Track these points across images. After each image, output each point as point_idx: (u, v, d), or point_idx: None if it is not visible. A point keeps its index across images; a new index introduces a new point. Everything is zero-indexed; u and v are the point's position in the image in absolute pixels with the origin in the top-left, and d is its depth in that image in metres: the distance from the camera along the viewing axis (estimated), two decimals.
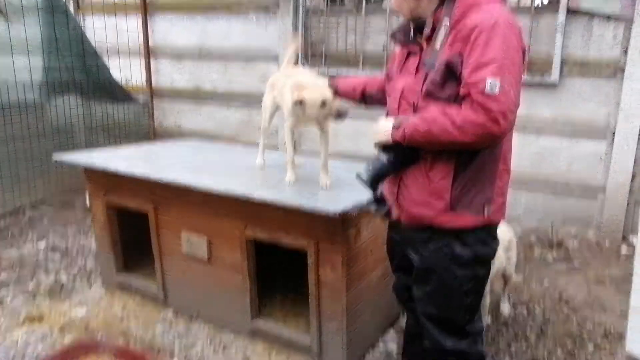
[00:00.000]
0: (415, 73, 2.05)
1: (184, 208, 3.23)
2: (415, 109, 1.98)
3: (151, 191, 3.36)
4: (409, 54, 2.14)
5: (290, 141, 3.00)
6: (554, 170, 4.92)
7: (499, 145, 1.95)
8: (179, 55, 6.70)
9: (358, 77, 2.71)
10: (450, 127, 1.82)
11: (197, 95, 6.69)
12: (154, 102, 6.91)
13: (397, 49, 2.28)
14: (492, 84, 1.75)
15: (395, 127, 1.98)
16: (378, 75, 2.63)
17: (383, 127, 2.05)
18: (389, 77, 2.26)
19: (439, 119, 1.84)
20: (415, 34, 2.08)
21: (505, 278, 3.46)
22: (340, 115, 2.59)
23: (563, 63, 4.71)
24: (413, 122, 1.92)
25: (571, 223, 4.91)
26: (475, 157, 1.94)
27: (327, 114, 2.59)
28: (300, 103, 2.64)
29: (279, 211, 2.77)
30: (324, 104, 2.60)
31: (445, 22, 1.92)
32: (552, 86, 4.78)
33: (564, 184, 4.89)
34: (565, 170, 4.88)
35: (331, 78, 2.72)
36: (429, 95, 1.93)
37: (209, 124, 6.70)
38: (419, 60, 2.05)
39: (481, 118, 1.76)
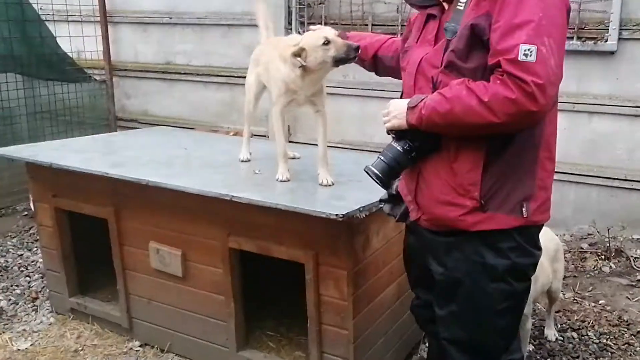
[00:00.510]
0: (435, 41, 2.07)
1: (153, 213, 3.27)
2: (435, 85, 2.00)
3: (112, 192, 3.38)
4: (427, 19, 2.16)
5: (281, 129, 3.02)
6: (611, 159, 4.93)
7: (539, 127, 1.97)
8: (144, 21, 6.71)
9: (374, 35, 2.73)
10: (476, 106, 1.83)
11: (167, 72, 6.71)
12: (113, 80, 6.94)
13: (414, 13, 2.31)
14: (527, 50, 1.76)
15: (411, 108, 2.00)
16: (397, 38, 2.66)
17: (396, 108, 2.07)
18: (404, 50, 2.28)
19: (463, 96, 1.86)
20: None
21: (550, 295, 3.48)
22: (349, 52, 2.64)
23: (622, 25, 4.71)
24: (431, 101, 1.93)
25: (633, 226, 4.93)
26: (510, 143, 1.95)
27: (335, 56, 2.68)
28: (300, 53, 2.71)
29: (270, 215, 2.79)
30: (326, 42, 2.68)
31: None
32: (608, 54, 4.79)
33: (624, 177, 4.90)
34: (625, 160, 4.89)
35: (341, 32, 2.77)
36: (451, 68, 1.95)
37: (182, 107, 6.73)
38: (439, 25, 2.07)
39: (514, 93, 1.78)
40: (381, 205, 2.41)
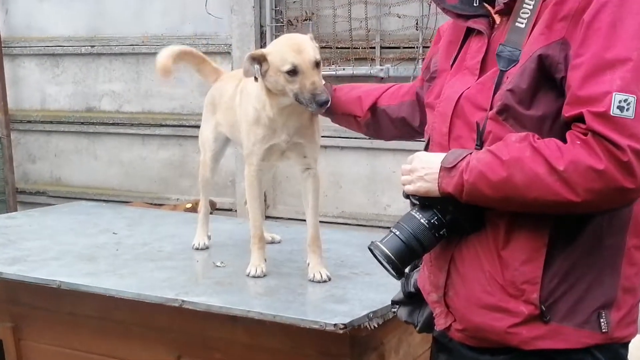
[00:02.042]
0: (480, 70, 2.10)
1: (69, 329, 3.24)
2: (482, 135, 1.99)
3: (9, 300, 3.37)
4: (468, 35, 2.19)
5: (257, 199, 3.05)
6: None
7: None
8: (55, 52, 6.82)
9: (369, 85, 2.79)
10: (546, 176, 1.82)
11: (89, 122, 6.77)
12: (11, 137, 6.96)
13: (445, 27, 2.35)
14: (622, 102, 1.76)
15: (447, 169, 1.99)
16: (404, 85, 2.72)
17: (423, 165, 2.05)
18: (430, 77, 2.30)
19: (526, 159, 1.85)
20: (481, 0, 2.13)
21: None
22: (310, 101, 2.68)
23: None
24: (478, 162, 1.92)
25: None
26: (585, 226, 1.94)
27: (297, 94, 2.71)
28: (261, 59, 2.75)
29: (238, 328, 2.79)
30: (292, 71, 2.70)
31: None
32: None
33: None
34: None
35: (326, 84, 2.81)
36: (507, 115, 1.94)
37: (111, 172, 6.75)
38: (487, 46, 2.09)
39: (602, 162, 1.76)
40: (394, 310, 2.40)
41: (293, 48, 2.76)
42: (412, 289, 2.31)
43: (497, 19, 2.08)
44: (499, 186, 1.88)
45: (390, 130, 2.71)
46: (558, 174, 1.80)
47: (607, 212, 1.91)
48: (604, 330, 1.97)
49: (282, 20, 5.87)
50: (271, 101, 2.85)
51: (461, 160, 1.95)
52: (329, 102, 2.69)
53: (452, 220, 2.04)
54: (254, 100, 2.92)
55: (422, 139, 2.46)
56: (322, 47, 5.63)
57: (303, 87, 2.69)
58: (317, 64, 2.75)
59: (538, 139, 1.86)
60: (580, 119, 1.80)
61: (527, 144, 1.85)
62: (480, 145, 1.98)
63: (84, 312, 3.17)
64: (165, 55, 3.30)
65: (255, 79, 2.79)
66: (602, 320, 1.97)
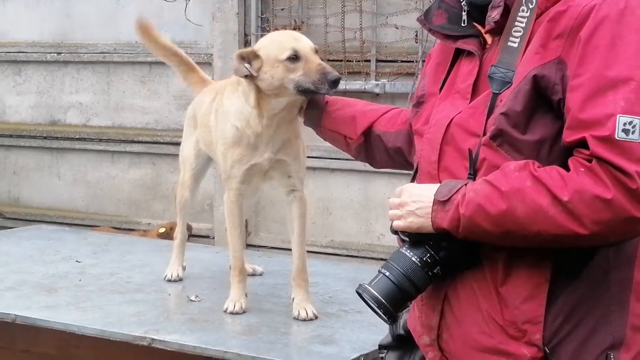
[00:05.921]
0: (472, 94, 2.09)
1: None
2: (475, 163, 2.00)
3: None
4: (457, 56, 2.19)
5: (237, 226, 3.04)
6: None
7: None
8: (17, 58, 6.80)
9: (366, 103, 2.77)
10: (549, 208, 1.83)
11: (53, 137, 6.74)
12: None
13: (435, 51, 2.35)
14: (628, 124, 1.77)
15: (441, 202, 1.98)
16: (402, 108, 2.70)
17: (414, 199, 2.04)
18: (417, 102, 2.30)
19: (527, 190, 1.85)
20: (470, 17, 2.12)
21: None
22: (320, 82, 2.65)
23: None
24: (475, 194, 1.92)
25: None
26: (590, 259, 1.94)
27: (300, 82, 2.69)
28: (251, 57, 2.75)
29: None
30: (294, 56, 2.70)
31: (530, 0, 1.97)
32: None
33: None
34: None
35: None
36: (501, 140, 1.95)
37: (76, 192, 6.73)
38: (479, 68, 2.09)
39: (610, 191, 1.77)
40: (382, 356, 2.38)
41: (290, 36, 2.84)
42: (401, 331, 2.30)
43: (489, 38, 2.09)
44: (499, 220, 1.89)
45: (383, 158, 2.69)
46: (562, 204, 1.81)
47: (614, 244, 1.92)
48: None
49: (268, 28, 5.85)
50: (260, 111, 2.83)
51: (456, 192, 1.95)
52: (340, 79, 2.70)
53: (446, 257, 2.03)
54: (234, 117, 2.92)
55: None
56: None
57: (309, 70, 2.69)
58: (316, 52, 2.79)
59: (539, 167, 1.87)
60: (583, 144, 1.82)
61: (528, 173, 1.86)
62: (473, 173, 1.98)
63: (41, 349, 3.15)
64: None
65: (247, 77, 2.77)
66: None
